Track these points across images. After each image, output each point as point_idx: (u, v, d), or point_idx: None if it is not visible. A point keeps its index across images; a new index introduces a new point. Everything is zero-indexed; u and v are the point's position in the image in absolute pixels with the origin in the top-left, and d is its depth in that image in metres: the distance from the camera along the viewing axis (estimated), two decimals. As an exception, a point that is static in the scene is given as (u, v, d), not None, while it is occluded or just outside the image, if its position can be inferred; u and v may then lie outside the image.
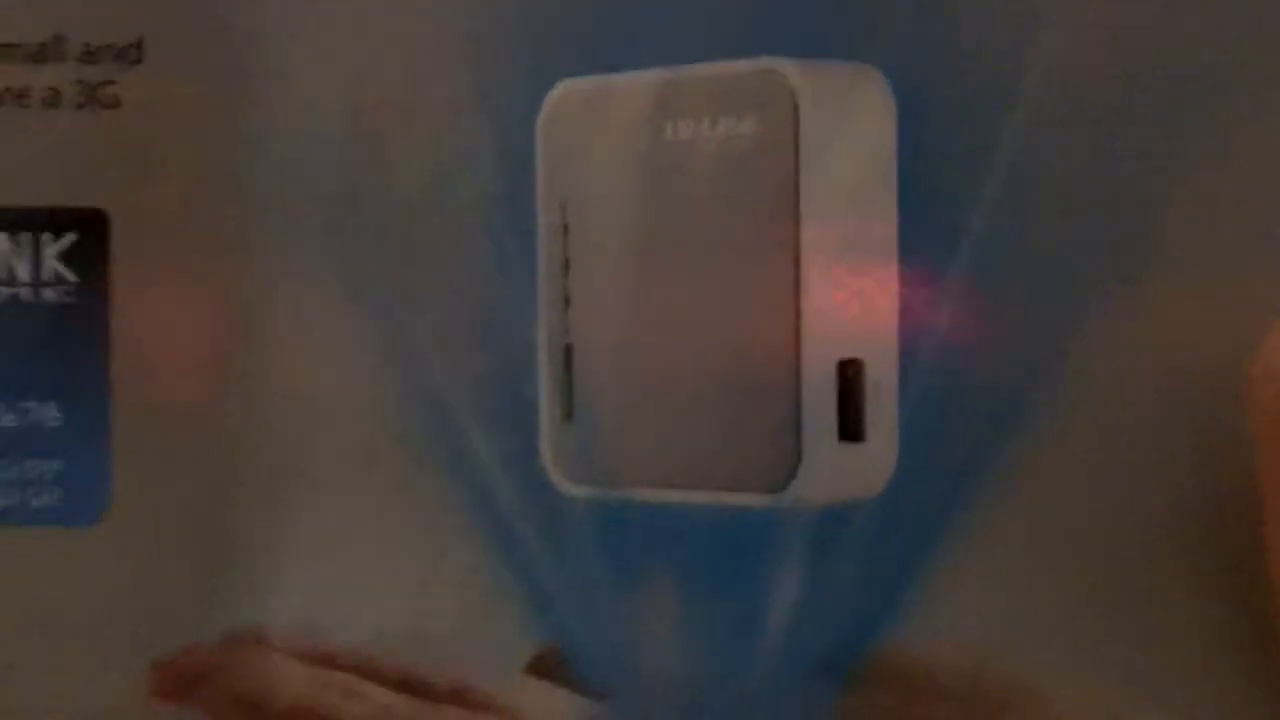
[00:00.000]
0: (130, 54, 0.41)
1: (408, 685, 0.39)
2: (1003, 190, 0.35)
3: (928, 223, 0.36)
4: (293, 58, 0.40)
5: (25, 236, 0.41)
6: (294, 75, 0.40)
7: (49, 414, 0.41)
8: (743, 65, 0.36)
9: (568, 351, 0.38)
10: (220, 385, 0.41)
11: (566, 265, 0.38)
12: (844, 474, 0.36)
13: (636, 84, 0.37)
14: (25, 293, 0.41)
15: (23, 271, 0.41)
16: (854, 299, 0.36)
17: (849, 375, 0.36)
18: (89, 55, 0.41)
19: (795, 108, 0.35)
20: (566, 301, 0.38)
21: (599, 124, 0.37)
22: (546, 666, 0.38)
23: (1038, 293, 0.35)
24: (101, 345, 0.41)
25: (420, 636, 0.39)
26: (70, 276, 0.41)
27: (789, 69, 0.35)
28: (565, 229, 0.38)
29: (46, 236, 0.41)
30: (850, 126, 0.36)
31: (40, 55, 0.41)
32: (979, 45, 0.35)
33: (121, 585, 0.41)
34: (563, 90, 0.38)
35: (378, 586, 0.40)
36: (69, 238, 0.41)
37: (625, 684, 0.37)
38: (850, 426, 0.36)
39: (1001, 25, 0.35)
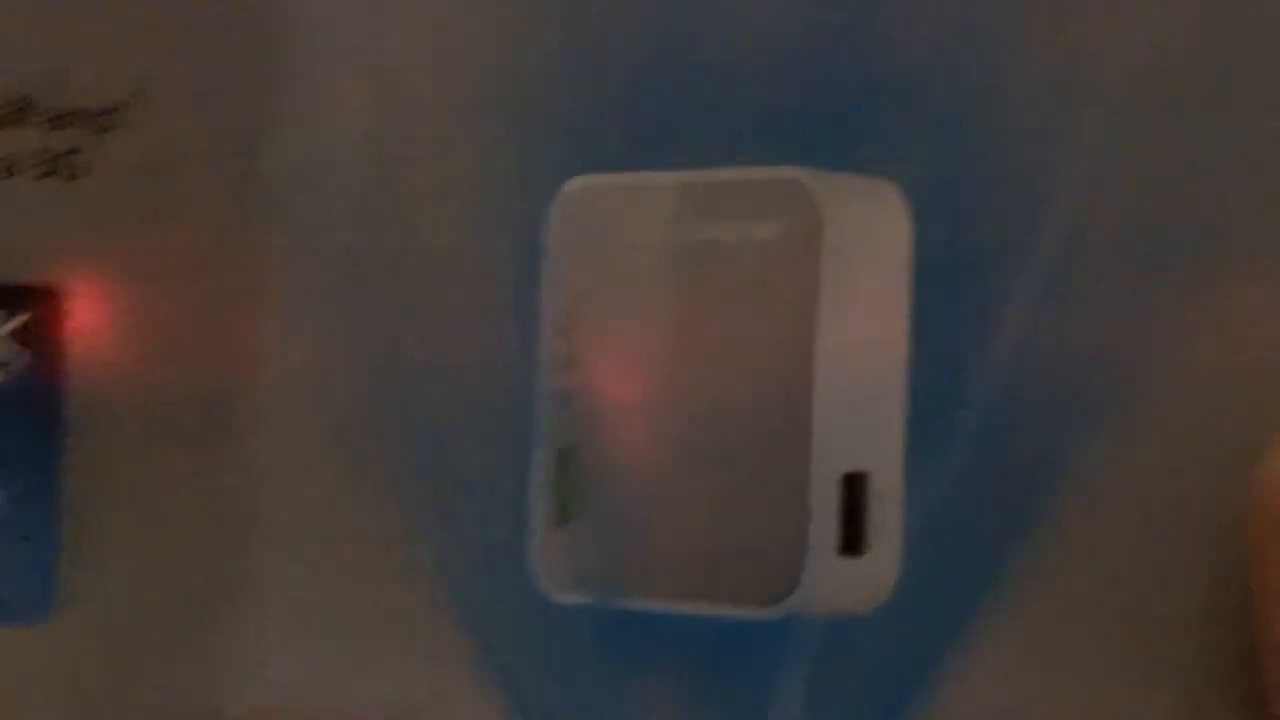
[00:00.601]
0: (104, 120, 0.40)
1: None
2: (1021, 300, 0.35)
3: (943, 334, 0.36)
4: (313, 116, 0.39)
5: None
6: (314, 133, 0.39)
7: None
8: (764, 171, 0.36)
9: (566, 452, 0.37)
10: (184, 471, 0.40)
11: (571, 362, 0.37)
12: (844, 588, 0.35)
13: (654, 184, 0.37)
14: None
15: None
16: (864, 410, 0.35)
17: (854, 488, 0.35)
18: (56, 121, 0.40)
19: (818, 218, 0.35)
20: (568, 400, 0.37)
21: (613, 221, 0.37)
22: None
23: (1049, 408, 0.35)
24: (54, 429, 0.39)
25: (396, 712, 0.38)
26: (22, 357, 0.40)
27: (812, 179, 0.35)
28: (572, 324, 0.37)
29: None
30: (870, 239, 0.36)
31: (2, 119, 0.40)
32: (997, 162, 0.35)
33: (75, 682, 0.39)
34: (575, 185, 0.37)
35: (354, 660, 0.39)
36: (21, 316, 0.40)
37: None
38: (852, 540, 0.35)
39: (1021, 136, 0.35)
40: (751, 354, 0.36)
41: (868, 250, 0.36)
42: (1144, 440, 0.35)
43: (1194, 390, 0.35)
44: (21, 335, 0.40)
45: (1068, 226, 0.35)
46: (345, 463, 0.39)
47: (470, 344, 0.38)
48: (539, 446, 0.37)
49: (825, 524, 0.35)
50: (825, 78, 0.36)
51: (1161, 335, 0.34)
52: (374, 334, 0.39)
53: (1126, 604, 0.35)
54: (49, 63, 0.40)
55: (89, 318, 0.40)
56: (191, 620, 0.40)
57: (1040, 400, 0.35)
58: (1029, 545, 0.35)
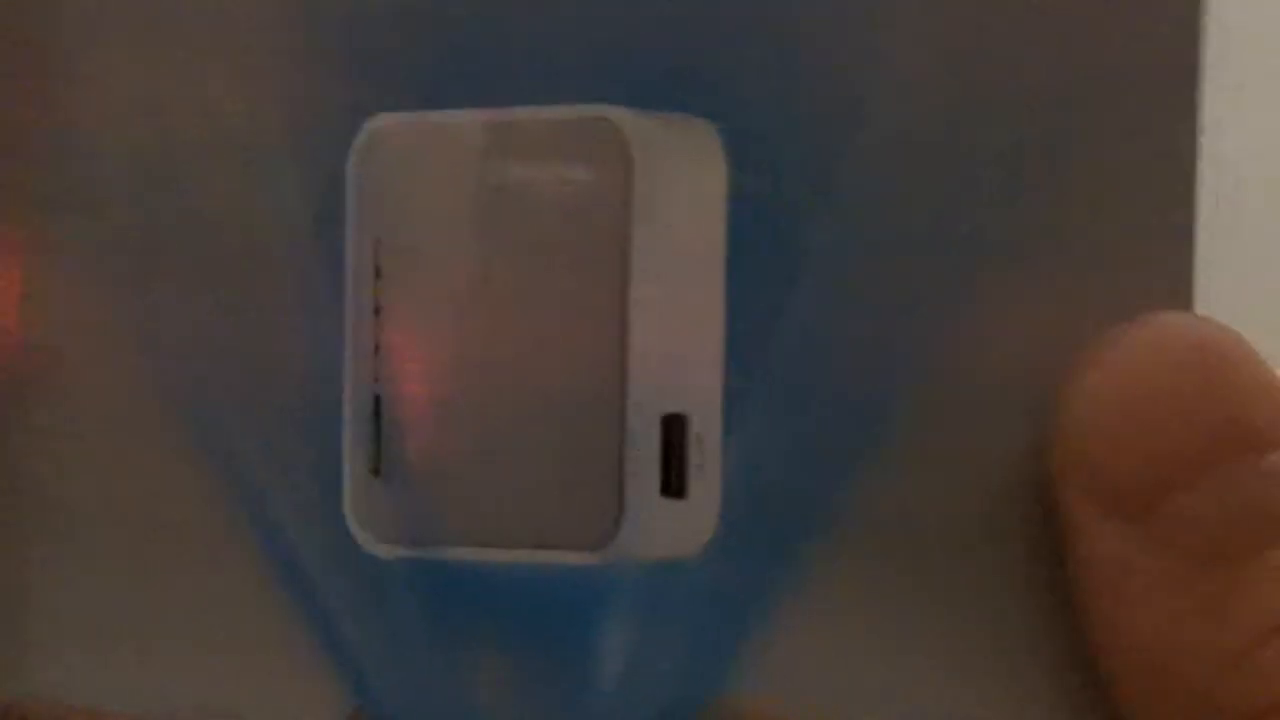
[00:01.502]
0: None
1: None
2: (833, 240, 0.35)
3: (757, 274, 0.35)
4: (81, 77, 0.38)
5: None
6: (81, 99, 0.38)
7: None
8: (574, 111, 0.35)
9: (376, 401, 0.36)
10: None
11: (378, 310, 0.36)
12: (666, 531, 0.35)
13: (460, 123, 0.36)
14: None
15: None
16: (680, 353, 0.35)
17: (673, 430, 0.35)
18: None
19: (629, 158, 0.34)
20: (376, 348, 0.36)
21: (418, 162, 0.36)
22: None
23: (867, 339, 0.35)
24: None
25: (213, 709, 0.37)
26: None
27: (623, 117, 0.35)
28: (378, 271, 0.36)
29: None
30: (683, 179, 0.35)
31: None
32: (812, 94, 0.35)
33: None
34: (377, 125, 0.36)
35: (160, 655, 0.38)
36: None
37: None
38: (674, 482, 0.35)
39: (835, 71, 0.35)
40: (565, 296, 0.35)
41: (682, 191, 0.35)
42: (958, 386, 0.35)
43: (1002, 325, 0.35)
44: None
45: (875, 172, 0.35)
46: (140, 446, 0.38)
47: (268, 305, 0.37)
48: (348, 397, 0.36)
49: (646, 466, 0.35)
50: (637, 12, 0.35)
51: (967, 283, 0.35)
52: (162, 306, 0.38)
53: (943, 552, 0.35)
54: None
55: None
56: None
57: (856, 347, 0.35)
58: (846, 493, 0.35)
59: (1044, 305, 0.34)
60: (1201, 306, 0.34)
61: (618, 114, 0.35)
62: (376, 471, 0.36)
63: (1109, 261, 0.34)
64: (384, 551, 0.36)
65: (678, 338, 0.35)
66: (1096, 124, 0.34)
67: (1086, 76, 0.34)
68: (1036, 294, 0.34)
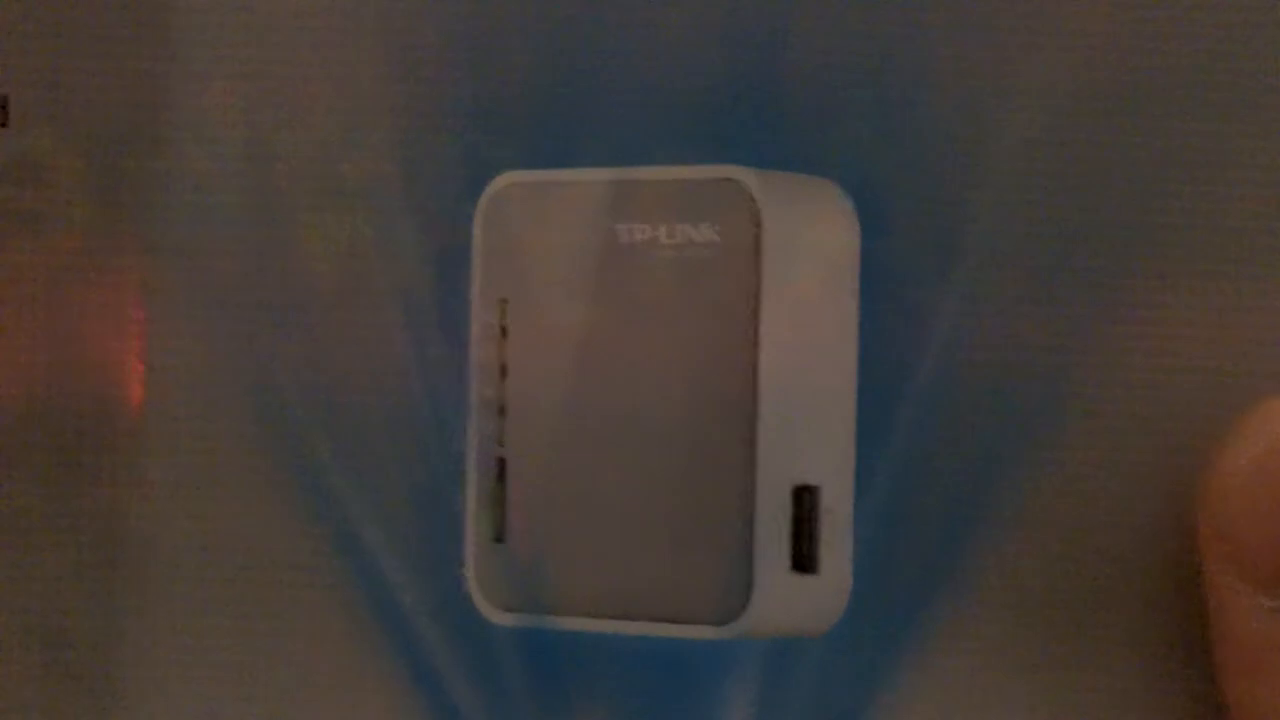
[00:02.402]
0: None
1: None
2: (963, 300, 0.34)
3: (888, 340, 0.34)
4: (192, 123, 0.37)
5: None
6: (192, 143, 0.38)
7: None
8: (699, 170, 0.34)
9: (501, 465, 0.35)
10: (89, 487, 0.38)
11: (504, 370, 0.35)
12: (796, 607, 0.34)
13: (586, 181, 0.35)
14: None
15: None
16: (812, 421, 0.34)
17: (804, 502, 0.34)
18: None
19: (757, 218, 0.33)
20: (502, 410, 0.35)
21: (544, 221, 0.35)
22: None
23: (999, 410, 0.34)
24: None
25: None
26: None
27: (750, 177, 0.33)
28: (504, 331, 0.35)
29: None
30: (812, 240, 0.34)
31: None
32: (934, 152, 0.34)
33: None
34: (505, 181, 0.35)
35: (264, 711, 0.37)
36: None
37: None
38: (804, 557, 0.34)
39: (954, 131, 0.34)
40: (692, 361, 0.34)
41: (811, 252, 0.34)
42: (1089, 444, 0.34)
43: (1137, 393, 0.34)
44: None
45: (997, 227, 0.34)
46: (246, 497, 0.37)
47: (380, 357, 0.36)
48: (472, 460, 0.35)
49: (775, 540, 0.33)
50: (754, 75, 0.34)
51: (1100, 338, 0.34)
52: (275, 358, 0.37)
53: (1078, 612, 0.34)
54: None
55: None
56: (85, 645, 0.38)
57: (988, 412, 0.34)
58: (979, 554, 0.34)
59: (1183, 375, 0.33)
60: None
61: (745, 173, 0.33)
62: (500, 538, 0.35)
63: (1252, 327, 0.33)
64: (505, 620, 0.35)
65: (809, 405, 0.34)
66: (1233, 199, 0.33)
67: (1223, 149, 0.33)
68: (1175, 360, 0.33)
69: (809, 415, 0.34)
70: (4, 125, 0.38)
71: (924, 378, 0.34)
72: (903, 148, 0.34)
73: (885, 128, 0.34)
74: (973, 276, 0.34)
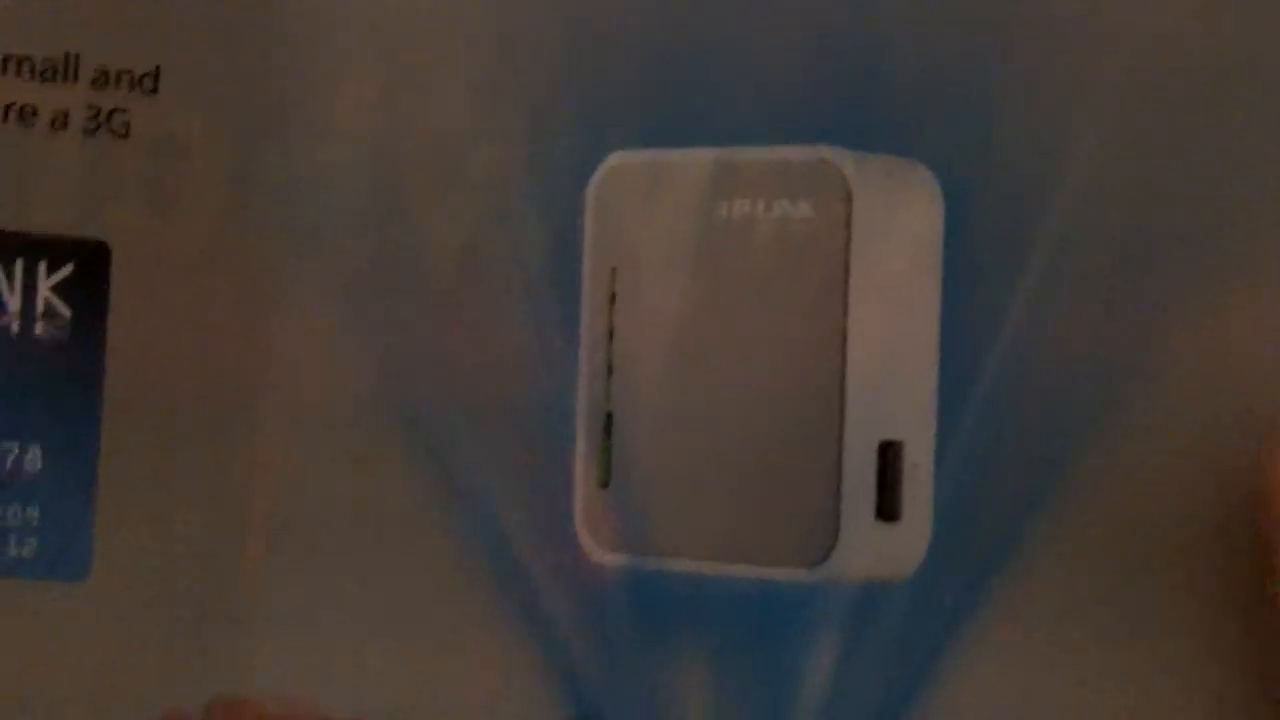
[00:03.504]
0: (146, 83, 0.39)
1: None
2: (1040, 281, 0.36)
3: (969, 312, 0.37)
4: (325, 106, 0.39)
5: (19, 264, 0.38)
6: (325, 125, 0.40)
7: (31, 457, 0.38)
8: (797, 151, 0.37)
9: (608, 418, 0.39)
10: (218, 441, 0.39)
11: (612, 333, 0.38)
12: (879, 553, 0.37)
13: (691, 161, 0.38)
14: (15, 325, 0.38)
15: (13, 302, 0.38)
16: (897, 382, 0.37)
17: (889, 456, 0.37)
18: (103, 79, 0.39)
19: (849, 196, 0.36)
20: (610, 369, 0.38)
21: (652, 197, 0.38)
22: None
23: (1070, 381, 0.36)
24: (93, 388, 0.38)
25: (435, 712, 0.39)
26: (64, 311, 0.39)
27: (844, 158, 0.36)
28: (613, 297, 0.38)
29: (42, 266, 0.38)
30: (900, 217, 0.37)
31: (50, 73, 0.39)
32: (1018, 142, 0.36)
33: (99, 647, 0.39)
34: (616, 161, 0.39)
35: (386, 657, 0.39)
36: (66, 269, 0.39)
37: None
38: (888, 506, 0.37)
39: (1039, 123, 0.36)
40: (786, 326, 0.37)
41: (898, 228, 0.37)
42: (1153, 416, 0.36)
43: (1206, 363, 0.36)
44: (65, 288, 0.39)
45: (1082, 216, 0.36)
46: (365, 454, 0.39)
47: (495, 333, 0.39)
48: (581, 414, 0.38)
49: (861, 490, 0.36)
50: (854, 65, 0.37)
51: (1172, 322, 0.36)
52: (394, 325, 0.39)
53: (1139, 582, 0.36)
54: (97, 21, 0.40)
55: (130, 278, 0.40)
56: (219, 597, 0.39)
57: (1061, 381, 0.36)
58: (1046, 523, 0.36)
59: (1249, 344, 0.35)
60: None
61: (838, 154, 0.36)
62: (606, 484, 0.38)
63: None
64: (609, 560, 0.38)
65: (894, 368, 0.37)
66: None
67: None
68: (1240, 333, 0.35)
69: (894, 377, 0.37)
70: (155, 92, 0.40)
71: (1000, 349, 0.37)
72: (990, 141, 0.37)
73: (976, 120, 0.37)
74: (1049, 256, 0.36)
